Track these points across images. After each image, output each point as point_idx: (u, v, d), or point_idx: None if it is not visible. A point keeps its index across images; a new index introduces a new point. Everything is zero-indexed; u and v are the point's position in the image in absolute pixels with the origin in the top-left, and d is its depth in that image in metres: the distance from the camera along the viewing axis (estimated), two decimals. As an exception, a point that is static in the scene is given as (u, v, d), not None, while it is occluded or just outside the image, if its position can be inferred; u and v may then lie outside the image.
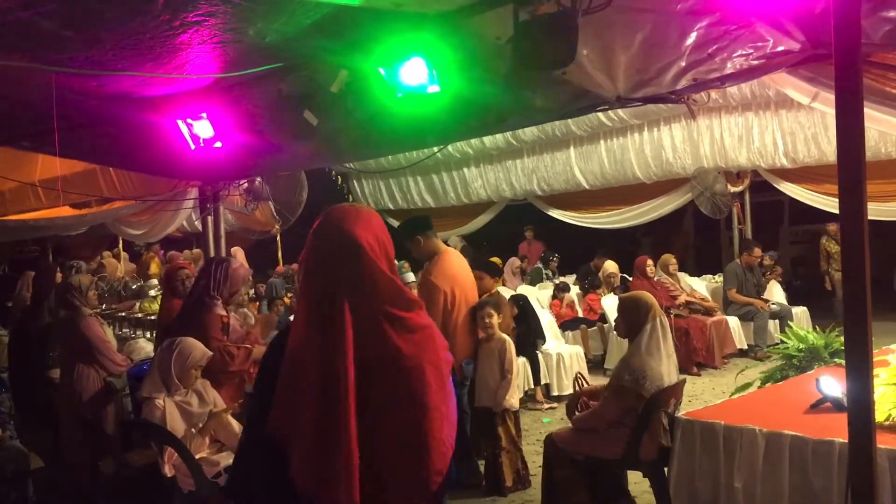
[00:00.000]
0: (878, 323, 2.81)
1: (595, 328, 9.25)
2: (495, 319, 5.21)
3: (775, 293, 9.90)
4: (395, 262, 2.16)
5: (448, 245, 13.33)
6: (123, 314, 8.18)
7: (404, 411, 1.97)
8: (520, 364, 7.31)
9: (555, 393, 7.62)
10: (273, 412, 2.01)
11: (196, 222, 9.64)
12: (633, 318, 4.19)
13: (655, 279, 9.28)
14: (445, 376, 2.06)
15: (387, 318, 1.99)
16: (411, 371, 1.97)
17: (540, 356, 7.52)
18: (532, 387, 7.38)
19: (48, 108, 4.12)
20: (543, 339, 7.72)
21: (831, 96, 2.74)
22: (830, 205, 9.68)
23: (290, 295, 9.72)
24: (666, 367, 4.06)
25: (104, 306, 8.53)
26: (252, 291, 10.30)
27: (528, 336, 7.59)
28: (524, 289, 9.83)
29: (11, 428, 5.04)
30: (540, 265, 12.83)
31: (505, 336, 5.12)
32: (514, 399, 5.10)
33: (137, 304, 8.50)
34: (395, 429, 1.97)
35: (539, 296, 9.63)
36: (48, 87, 4.03)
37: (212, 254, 6.57)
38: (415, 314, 2.05)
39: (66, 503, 5.17)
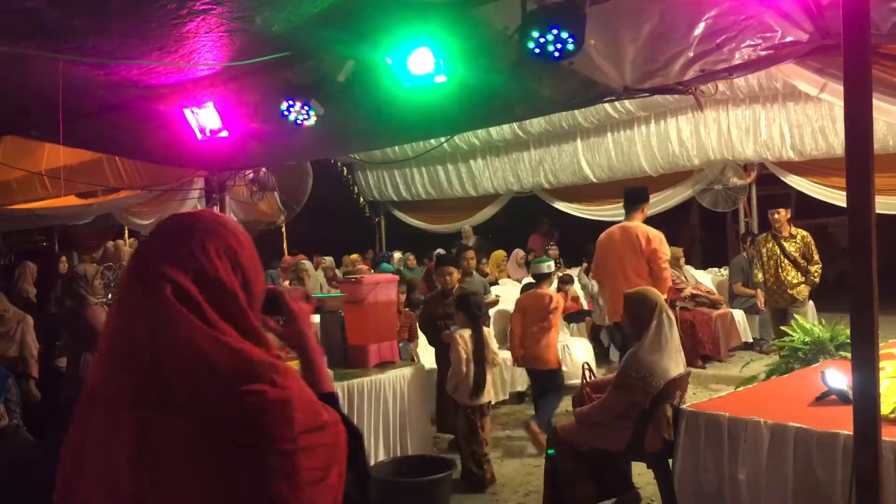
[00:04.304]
0: (885, 316, 2.80)
1: (599, 321, 9.25)
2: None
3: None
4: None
5: (462, 234, 13.33)
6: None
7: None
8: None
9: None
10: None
11: (202, 212, 9.65)
12: (639, 315, 4.17)
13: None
14: (301, 471, 1.35)
15: (197, 395, 1.31)
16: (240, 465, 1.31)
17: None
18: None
19: (55, 97, 4.13)
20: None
21: (839, 87, 2.73)
22: (838, 198, 9.63)
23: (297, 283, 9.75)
24: (674, 362, 4.06)
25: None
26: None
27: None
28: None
29: (18, 416, 5.07)
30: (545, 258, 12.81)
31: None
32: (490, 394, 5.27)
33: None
34: None
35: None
36: (55, 76, 4.03)
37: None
38: (251, 383, 1.33)
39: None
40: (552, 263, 6.39)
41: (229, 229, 1.47)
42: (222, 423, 1.31)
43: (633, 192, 6.48)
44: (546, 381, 6.00)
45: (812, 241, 7.45)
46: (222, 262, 1.41)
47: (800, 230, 7.53)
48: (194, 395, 1.31)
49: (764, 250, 7.63)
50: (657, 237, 6.05)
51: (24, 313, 6.22)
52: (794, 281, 7.37)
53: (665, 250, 6.06)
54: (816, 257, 7.40)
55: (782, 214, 7.50)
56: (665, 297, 6.50)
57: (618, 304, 5.66)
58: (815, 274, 7.38)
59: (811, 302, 8.76)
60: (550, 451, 4.23)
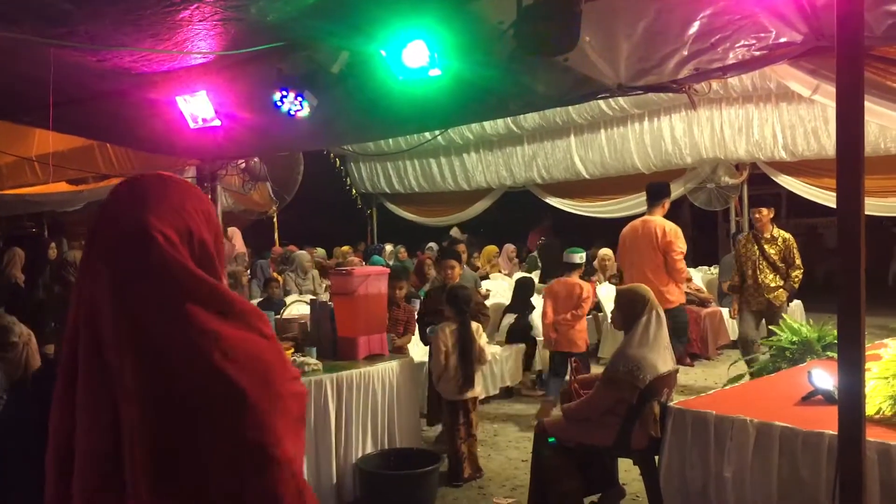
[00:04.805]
0: (871, 318, 2.82)
1: (590, 317, 9.26)
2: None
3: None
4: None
5: (450, 235, 13.38)
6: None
7: (239, 467, 1.31)
8: (514, 350, 7.35)
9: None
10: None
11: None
12: (629, 310, 4.20)
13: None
14: (290, 415, 1.39)
15: (199, 332, 1.31)
16: (241, 406, 1.31)
17: (539, 344, 7.51)
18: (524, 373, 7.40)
19: (46, 82, 4.10)
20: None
21: (832, 89, 2.74)
22: (828, 199, 9.68)
23: (290, 274, 9.74)
24: (662, 359, 4.08)
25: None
26: (248, 272, 10.32)
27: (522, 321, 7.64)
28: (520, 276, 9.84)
29: (4, 403, 5.04)
30: (536, 254, 12.86)
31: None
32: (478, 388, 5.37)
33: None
34: (230, 490, 1.31)
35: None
36: (47, 61, 4.00)
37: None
38: (244, 330, 1.36)
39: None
40: (584, 254, 6.49)
41: (198, 190, 1.48)
42: (225, 368, 1.31)
43: (655, 187, 6.67)
44: (582, 363, 6.30)
45: (794, 245, 6.93)
46: (201, 221, 1.41)
47: (782, 232, 7.02)
48: (194, 343, 1.31)
49: (744, 251, 7.06)
50: (673, 230, 6.30)
51: (30, 332, 6.12)
52: (772, 285, 6.83)
53: (680, 244, 6.30)
54: (798, 261, 6.87)
55: (764, 214, 6.94)
56: (685, 288, 6.74)
57: None
58: (795, 279, 6.85)
59: (799, 301, 8.83)
60: (551, 440, 4.24)
